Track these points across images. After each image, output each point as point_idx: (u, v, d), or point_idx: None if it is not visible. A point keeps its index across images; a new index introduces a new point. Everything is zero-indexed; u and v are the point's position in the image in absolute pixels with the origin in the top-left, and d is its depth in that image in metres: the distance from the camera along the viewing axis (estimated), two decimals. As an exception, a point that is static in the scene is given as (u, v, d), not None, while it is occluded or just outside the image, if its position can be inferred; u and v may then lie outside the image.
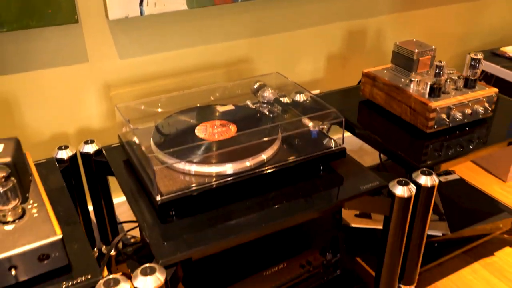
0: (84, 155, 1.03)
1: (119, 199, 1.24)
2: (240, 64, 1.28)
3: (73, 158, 1.02)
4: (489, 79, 1.59)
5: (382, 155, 1.50)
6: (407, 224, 0.95)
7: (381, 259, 1.01)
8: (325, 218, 1.09)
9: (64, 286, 0.70)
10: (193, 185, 0.85)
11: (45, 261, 0.70)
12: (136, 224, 1.22)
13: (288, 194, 0.90)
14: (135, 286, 0.71)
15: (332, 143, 0.96)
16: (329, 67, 1.44)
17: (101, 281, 0.70)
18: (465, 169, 1.67)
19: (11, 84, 1.03)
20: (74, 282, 0.71)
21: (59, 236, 0.70)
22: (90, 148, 1.03)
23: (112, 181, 1.04)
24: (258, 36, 1.27)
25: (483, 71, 1.60)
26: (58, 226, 0.72)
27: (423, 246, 1.02)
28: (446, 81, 1.12)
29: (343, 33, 1.41)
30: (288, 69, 1.36)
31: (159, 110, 1.05)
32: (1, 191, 0.71)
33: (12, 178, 0.72)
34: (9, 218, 0.73)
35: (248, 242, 0.84)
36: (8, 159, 0.75)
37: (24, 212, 0.74)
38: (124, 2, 1.03)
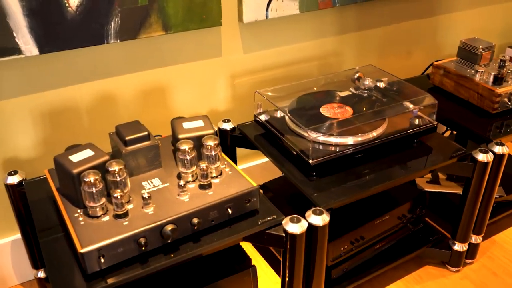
0: (222, 131, 1.30)
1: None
2: (331, 57, 1.54)
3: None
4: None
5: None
6: (484, 184, 1.23)
7: (460, 213, 1.28)
8: (413, 181, 1.37)
9: (259, 222, 0.98)
10: (329, 152, 1.12)
11: (248, 204, 0.97)
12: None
13: (395, 160, 1.17)
14: (309, 222, 0.99)
15: (425, 121, 1.23)
16: (395, 60, 1.70)
17: (287, 218, 0.97)
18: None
19: (166, 74, 1.29)
20: (265, 220, 0.98)
21: (257, 186, 0.97)
22: (227, 126, 1.30)
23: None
24: (345, 34, 1.53)
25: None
26: (251, 179, 0.99)
27: (492, 202, 1.30)
28: (507, 72, 1.38)
29: (405, 32, 1.67)
30: (366, 62, 1.63)
31: (282, 95, 1.32)
32: (213, 154, 0.98)
33: (219, 146, 0.99)
34: (214, 174, 1.00)
35: (367, 197, 1.12)
36: (212, 131, 1.02)
37: (221, 170, 1.02)
38: (255, 8, 1.29)
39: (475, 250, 1.39)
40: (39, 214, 1.01)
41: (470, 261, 1.41)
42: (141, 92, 1.28)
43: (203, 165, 0.95)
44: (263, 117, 1.26)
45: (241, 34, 1.35)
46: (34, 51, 1.08)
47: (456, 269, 1.38)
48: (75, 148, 0.96)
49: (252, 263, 1.09)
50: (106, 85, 1.22)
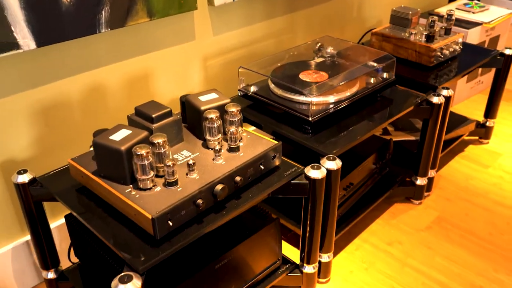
0: (208, 109, 1.38)
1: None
2: (284, 34, 1.69)
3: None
4: (432, 32, 2.17)
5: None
6: (439, 121, 1.47)
7: (421, 150, 1.51)
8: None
9: (285, 174, 1.09)
10: (321, 110, 1.26)
11: (274, 159, 1.08)
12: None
13: (370, 112, 1.35)
14: (327, 167, 1.12)
15: (387, 77, 1.43)
16: (332, 32, 1.90)
17: (309, 167, 1.10)
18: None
19: (148, 61, 1.33)
20: (289, 172, 1.10)
21: (279, 142, 1.08)
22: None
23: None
24: (293, 12, 1.69)
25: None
26: (272, 138, 1.10)
27: (443, 139, 1.55)
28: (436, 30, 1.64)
29: (336, 9, 1.88)
30: (311, 34, 1.80)
31: (259, 69, 1.43)
32: (237, 119, 1.06)
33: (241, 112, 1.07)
34: (238, 138, 1.08)
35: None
36: (229, 100, 1.10)
37: (241, 136, 1.10)
38: (224, -9, 1.39)
39: (431, 184, 1.63)
40: (73, 202, 1.02)
41: (428, 193, 1.65)
42: (127, 81, 1.31)
43: (232, 129, 1.04)
44: (252, 89, 1.37)
45: (210, 18, 1.43)
46: (32, 45, 1.07)
47: (419, 201, 1.61)
48: (105, 131, 0.99)
49: (274, 216, 1.20)
50: (96, 76, 1.24)
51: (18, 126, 1.15)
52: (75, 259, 1.27)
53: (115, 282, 0.83)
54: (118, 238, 0.92)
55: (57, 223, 1.31)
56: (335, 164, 1.13)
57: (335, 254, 1.41)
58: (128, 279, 0.83)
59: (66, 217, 1.17)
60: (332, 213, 1.20)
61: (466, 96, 2.26)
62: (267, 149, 1.06)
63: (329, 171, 1.12)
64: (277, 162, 1.09)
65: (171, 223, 0.89)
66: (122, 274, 0.84)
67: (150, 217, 0.86)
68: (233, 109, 1.06)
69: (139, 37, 1.28)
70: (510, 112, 2.16)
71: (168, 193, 0.92)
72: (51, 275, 1.24)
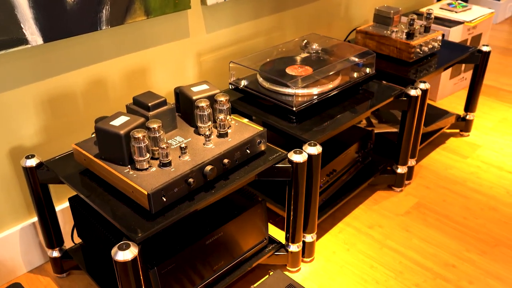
0: (202, 101, 1.49)
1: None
2: (274, 32, 1.79)
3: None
4: (417, 31, 2.28)
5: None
6: (416, 113, 1.57)
7: (400, 140, 1.62)
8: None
9: (270, 158, 1.19)
10: (305, 101, 1.37)
11: (259, 145, 1.18)
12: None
13: (351, 103, 1.46)
14: (308, 152, 1.22)
15: (368, 71, 1.54)
16: (320, 30, 2.01)
17: (291, 152, 1.20)
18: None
19: (146, 56, 1.44)
20: (274, 156, 1.20)
21: (264, 129, 1.19)
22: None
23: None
24: (283, 11, 1.79)
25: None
26: (258, 126, 1.20)
27: (421, 130, 1.65)
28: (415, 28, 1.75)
29: (324, 9, 1.99)
30: (299, 33, 1.90)
31: (249, 64, 1.53)
32: (225, 108, 1.17)
33: (229, 101, 1.18)
34: (227, 125, 1.19)
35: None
36: (219, 90, 1.21)
37: (229, 124, 1.21)
38: (216, -8, 1.49)
39: (411, 172, 1.74)
40: (77, 183, 1.12)
41: (408, 181, 1.75)
42: (126, 74, 1.41)
43: (221, 116, 1.14)
44: (242, 83, 1.47)
45: (203, 16, 1.54)
46: (39, 40, 1.17)
47: (400, 189, 1.72)
48: (106, 118, 1.09)
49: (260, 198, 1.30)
50: (98, 69, 1.34)
51: (26, 115, 1.25)
52: (77, 241, 1.37)
53: (114, 249, 0.94)
54: (117, 213, 1.02)
55: (60, 207, 1.41)
56: (315, 150, 1.23)
57: (319, 237, 1.52)
58: (126, 246, 0.94)
59: (70, 199, 1.27)
60: (314, 195, 1.30)
61: (450, 92, 2.36)
62: (253, 135, 1.16)
63: (310, 156, 1.23)
64: (262, 147, 1.20)
65: (165, 199, 0.99)
66: (121, 242, 0.95)
67: (146, 193, 0.97)
68: (222, 98, 1.16)
69: (137, 34, 1.39)
70: (489, 106, 2.27)
71: (162, 173, 1.03)
72: (56, 253, 1.34)
